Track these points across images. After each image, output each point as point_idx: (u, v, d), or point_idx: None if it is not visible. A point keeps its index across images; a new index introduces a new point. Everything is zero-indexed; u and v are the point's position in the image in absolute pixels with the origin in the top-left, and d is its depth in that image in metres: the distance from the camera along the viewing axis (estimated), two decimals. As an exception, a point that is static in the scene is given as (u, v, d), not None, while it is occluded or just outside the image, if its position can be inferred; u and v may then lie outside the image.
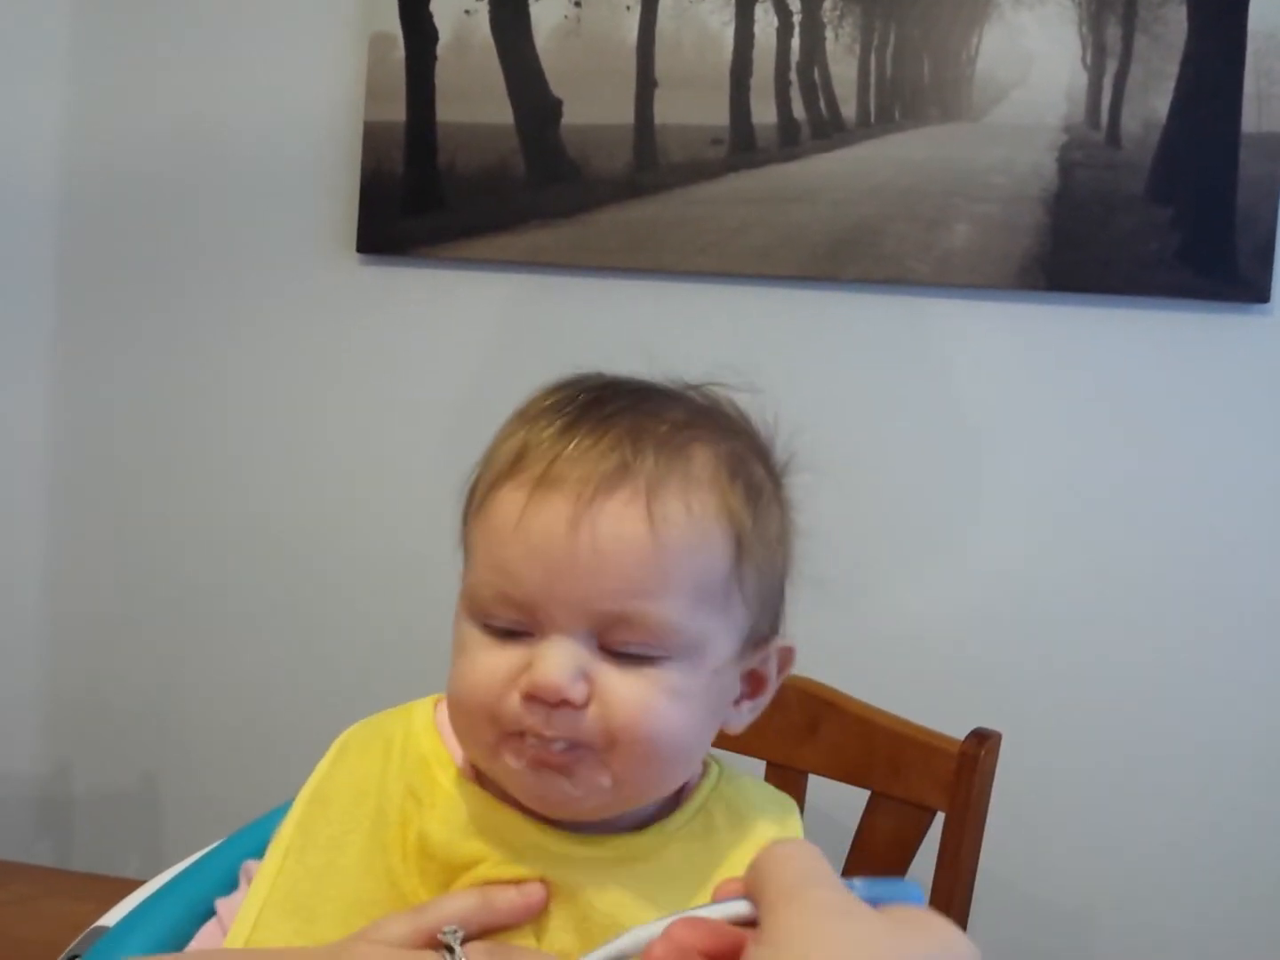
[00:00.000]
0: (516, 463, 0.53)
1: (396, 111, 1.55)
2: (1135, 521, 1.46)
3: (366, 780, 0.57)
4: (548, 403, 0.56)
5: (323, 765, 0.59)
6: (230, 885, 0.59)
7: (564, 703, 0.50)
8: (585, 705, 0.50)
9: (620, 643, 0.51)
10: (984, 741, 1.06)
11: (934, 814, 1.10)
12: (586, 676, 0.51)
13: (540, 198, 1.54)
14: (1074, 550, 1.47)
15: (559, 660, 0.50)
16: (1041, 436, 1.48)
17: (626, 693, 0.51)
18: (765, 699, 0.58)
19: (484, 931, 0.51)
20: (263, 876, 0.55)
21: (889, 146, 1.48)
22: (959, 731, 1.10)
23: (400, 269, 1.60)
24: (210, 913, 0.59)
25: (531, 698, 0.51)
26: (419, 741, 0.58)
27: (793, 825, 0.59)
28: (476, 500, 0.56)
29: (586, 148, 1.52)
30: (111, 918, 0.58)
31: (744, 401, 0.62)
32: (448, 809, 0.54)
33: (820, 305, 1.50)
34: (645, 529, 0.51)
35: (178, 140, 1.65)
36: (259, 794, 0.60)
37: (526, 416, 0.56)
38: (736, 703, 0.57)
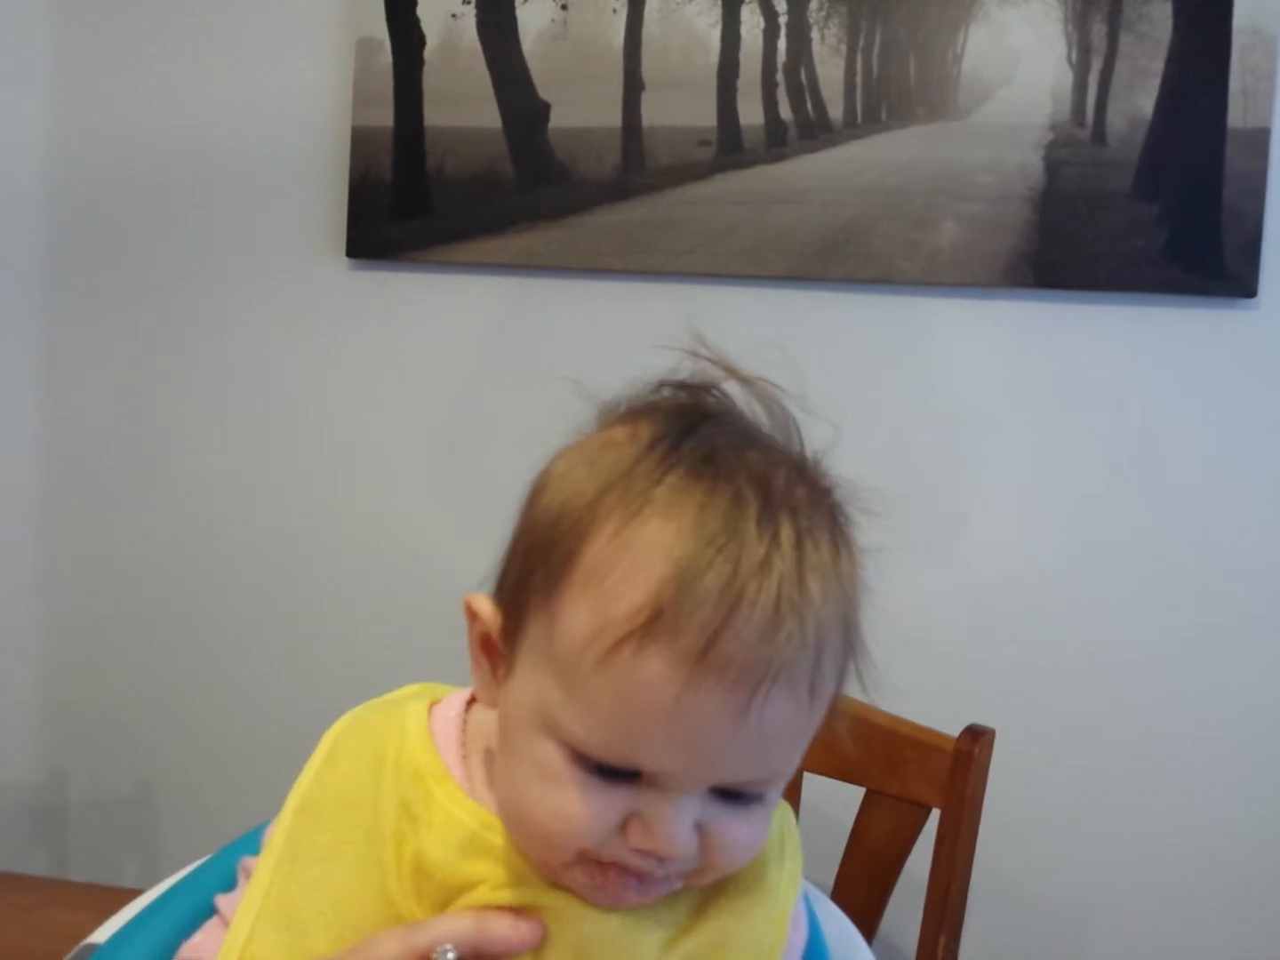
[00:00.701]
0: (660, 617, 0.45)
1: (384, 116, 1.55)
2: (1126, 517, 1.47)
3: (357, 790, 0.54)
4: (667, 478, 0.48)
5: (310, 768, 0.56)
6: (226, 888, 0.59)
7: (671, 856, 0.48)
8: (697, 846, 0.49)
9: (741, 789, 0.49)
10: (978, 738, 1.07)
11: (929, 811, 1.10)
12: (699, 825, 0.48)
13: (529, 201, 1.54)
14: (1065, 546, 1.48)
15: (683, 825, 0.47)
16: (1031, 433, 1.48)
17: (737, 836, 0.49)
18: None
19: (477, 956, 0.49)
20: (255, 887, 0.53)
21: (876, 147, 1.48)
22: (954, 729, 1.11)
23: (390, 273, 1.60)
24: (209, 912, 0.58)
25: (645, 853, 0.48)
26: (414, 754, 0.54)
27: (789, 829, 0.58)
28: (588, 637, 0.47)
29: (574, 150, 1.53)
30: (102, 934, 0.58)
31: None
32: (445, 828, 0.52)
33: (809, 305, 1.51)
34: (806, 708, 0.48)
35: (165, 145, 1.64)
36: (255, 800, 0.59)
37: (639, 494, 0.48)
38: None
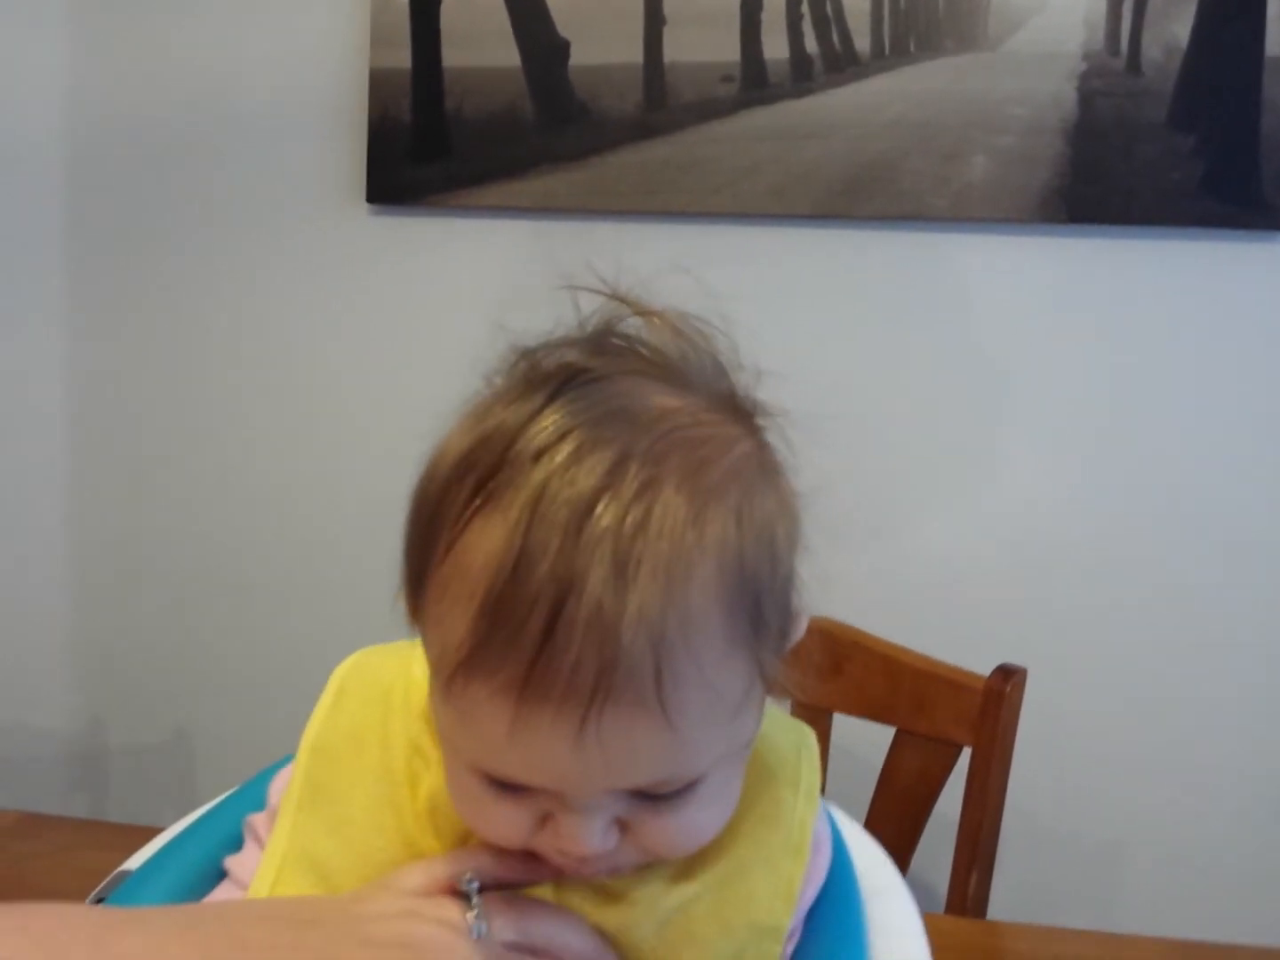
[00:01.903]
0: (480, 649, 0.43)
1: (402, 58, 1.53)
2: (1160, 456, 1.45)
3: (365, 731, 0.54)
4: (512, 503, 0.44)
5: (320, 709, 0.56)
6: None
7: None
8: (621, 841, 0.47)
9: (645, 792, 0.47)
10: (1010, 677, 1.06)
11: (960, 750, 1.10)
12: (619, 822, 0.47)
13: (549, 142, 1.52)
14: (1097, 486, 1.46)
15: (587, 828, 0.46)
16: (1064, 372, 1.46)
17: (662, 825, 0.47)
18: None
19: (500, 886, 0.50)
20: (279, 832, 0.54)
21: (904, 79, 1.45)
22: (984, 669, 1.10)
23: (411, 218, 1.58)
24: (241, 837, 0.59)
25: (563, 853, 0.47)
26: (421, 694, 0.54)
27: (806, 750, 0.57)
28: (435, 661, 0.47)
29: (596, 89, 1.50)
30: (136, 861, 0.59)
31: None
32: None
33: (836, 244, 1.48)
34: (659, 715, 0.43)
35: (183, 95, 1.63)
36: (287, 745, 0.60)
37: (468, 482, 0.45)
38: None
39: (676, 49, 1.48)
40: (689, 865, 0.51)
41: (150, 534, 1.71)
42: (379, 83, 1.54)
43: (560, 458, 0.44)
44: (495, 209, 1.55)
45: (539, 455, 0.44)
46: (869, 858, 0.60)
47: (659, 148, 1.49)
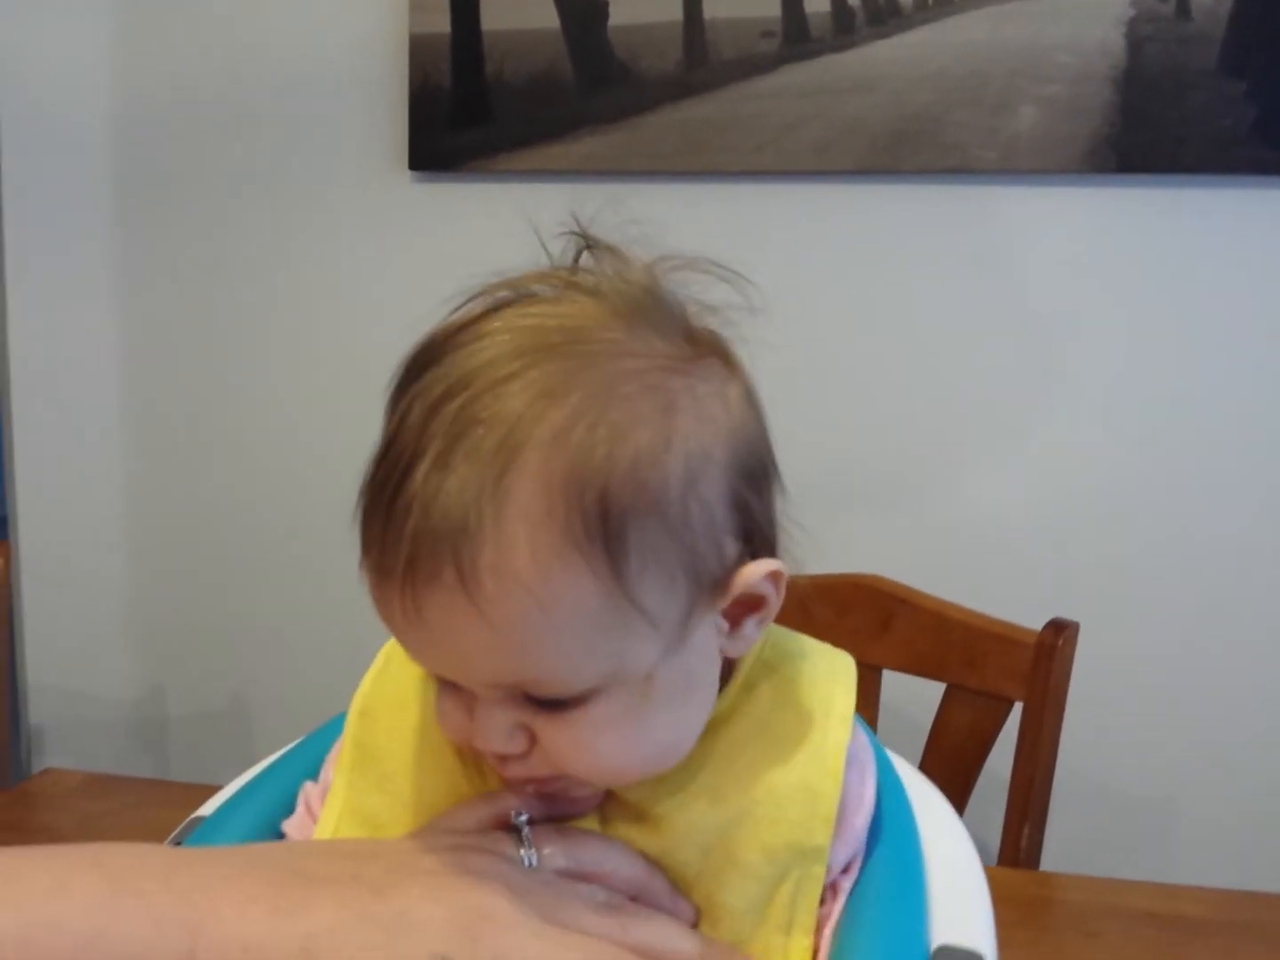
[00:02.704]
0: (363, 528, 0.47)
1: (441, 22, 1.53)
2: (1213, 407, 1.43)
3: (407, 692, 0.56)
4: (400, 413, 0.47)
5: (368, 678, 0.58)
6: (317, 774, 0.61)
7: (509, 756, 0.49)
8: (530, 752, 0.48)
9: (534, 695, 0.47)
10: (1062, 631, 1.06)
11: (1011, 705, 1.10)
12: (524, 727, 0.48)
13: (590, 103, 1.51)
14: (1148, 438, 1.44)
15: (489, 723, 0.48)
16: (1115, 324, 1.44)
17: (558, 738, 0.47)
18: (769, 613, 0.50)
19: (547, 819, 0.51)
20: (334, 793, 0.56)
21: (948, 30, 1.42)
22: (1034, 626, 1.10)
23: (453, 184, 1.59)
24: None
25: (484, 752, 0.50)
26: None
27: (844, 684, 0.55)
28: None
29: (635, 48, 1.49)
30: (210, 807, 0.60)
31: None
32: None
33: (882, 199, 1.47)
34: (476, 619, 0.43)
35: (225, 64, 1.64)
36: (342, 708, 0.61)
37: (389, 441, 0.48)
38: (732, 630, 0.50)
39: (716, 5, 1.46)
40: (724, 790, 0.51)
41: (206, 504, 1.73)
42: (419, 48, 1.54)
43: (462, 354, 0.46)
44: (536, 173, 1.54)
45: (449, 353, 0.47)
46: (923, 800, 0.60)
47: (700, 106, 1.48)
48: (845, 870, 0.53)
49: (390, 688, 0.57)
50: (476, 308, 0.50)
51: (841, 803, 0.52)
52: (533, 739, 0.48)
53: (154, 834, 0.62)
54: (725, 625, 0.49)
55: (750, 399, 0.50)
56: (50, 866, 0.43)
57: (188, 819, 0.59)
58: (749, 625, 0.50)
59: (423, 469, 0.44)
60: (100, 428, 1.75)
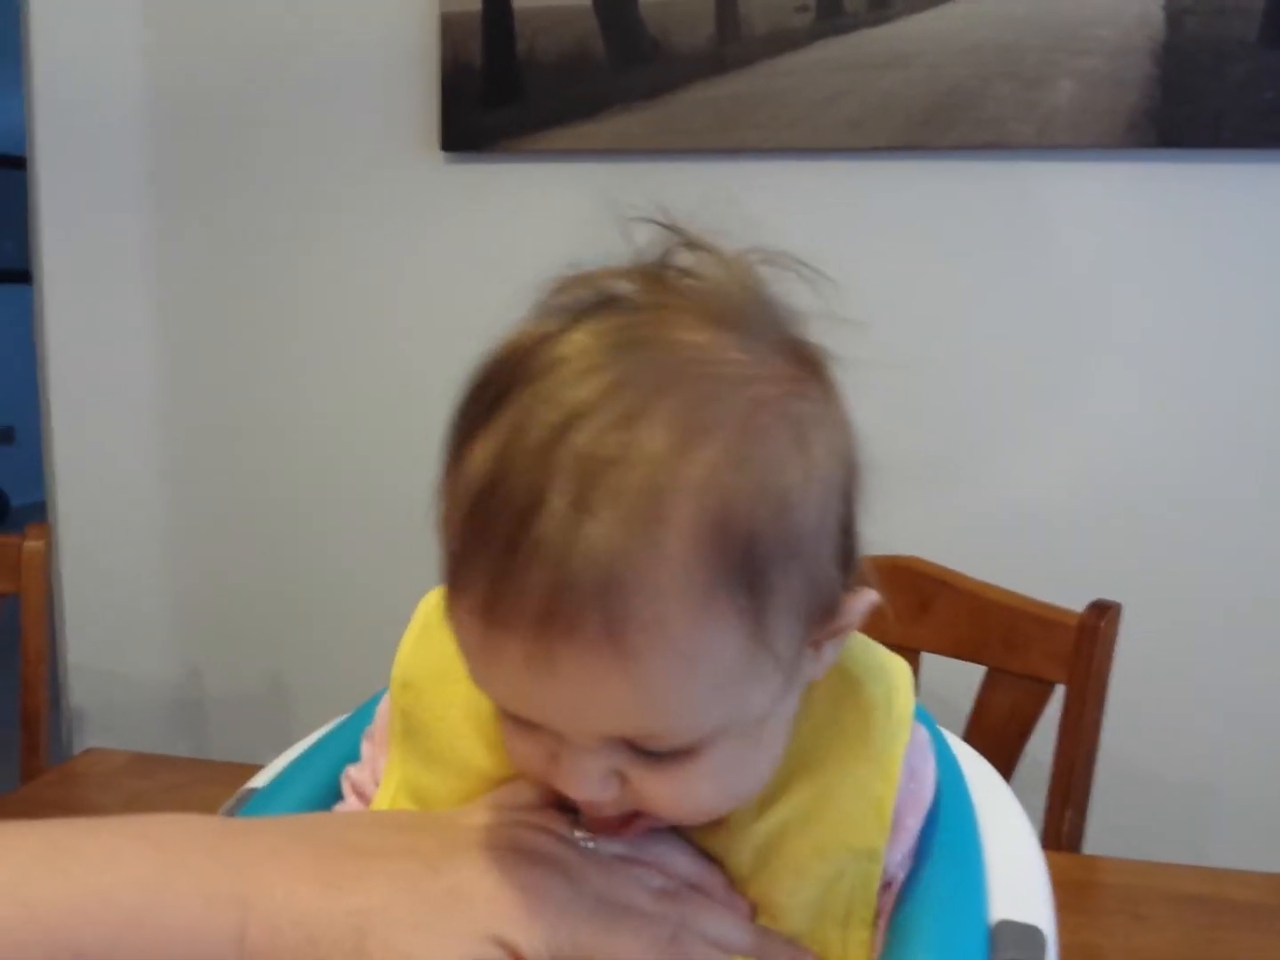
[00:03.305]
0: (457, 572, 0.43)
1: (472, 1, 1.52)
2: (1255, 386, 1.40)
3: (447, 661, 0.53)
4: (491, 434, 0.43)
5: (407, 642, 0.56)
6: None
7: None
8: (623, 793, 0.46)
9: (639, 745, 0.45)
10: (1104, 612, 1.05)
11: (1052, 687, 1.09)
12: (618, 774, 0.45)
13: (622, 81, 1.50)
14: (1190, 417, 1.42)
15: (582, 772, 0.45)
16: (1154, 301, 1.42)
17: (658, 788, 0.45)
18: (846, 634, 0.50)
19: None
20: (392, 763, 0.55)
21: (985, 3, 1.40)
22: (1076, 607, 1.09)
23: (485, 164, 1.58)
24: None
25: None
26: None
27: (903, 689, 0.54)
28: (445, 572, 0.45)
29: (667, 24, 1.48)
30: (262, 779, 0.60)
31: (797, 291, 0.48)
32: None
33: (918, 175, 1.45)
34: (619, 673, 0.40)
35: (257, 45, 1.64)
36: (381, 686, 0.61)
37: (473, 412, 0.44)
38: (815, 654, 0.48)
39: (749, -20, 1.45)
40: (780, 791, 0.51)
41: (243, 488, 1.74)
42: (450, 27, 1.53)
43: (560, 377, 0.42)
44: (569, 152, 1.54)
45: (543, 374, 0.43)
46: (979, 777, 0.60)
47: (733, 82, 1.47)
48: (898, 866, 0.53)
49: (431, 657, 0.55)
50: (555, 317, 0.46)
51: (896, 806, 0.51)
52: (624, 783, 0.46)
53: (200, 811, 0.62)
54: (811, 651, 0.47)
55: (847, 415, 0.48)
56: (100, 838, 0.43)
57: (240, 790, 0.59)
58: (829, 649, 0.49)
59: (553, 512, 0.39)
60: (138, 412, 1.76)
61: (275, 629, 1.75)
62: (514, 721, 0.46)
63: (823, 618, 0.46)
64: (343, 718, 0.65)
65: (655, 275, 0.46)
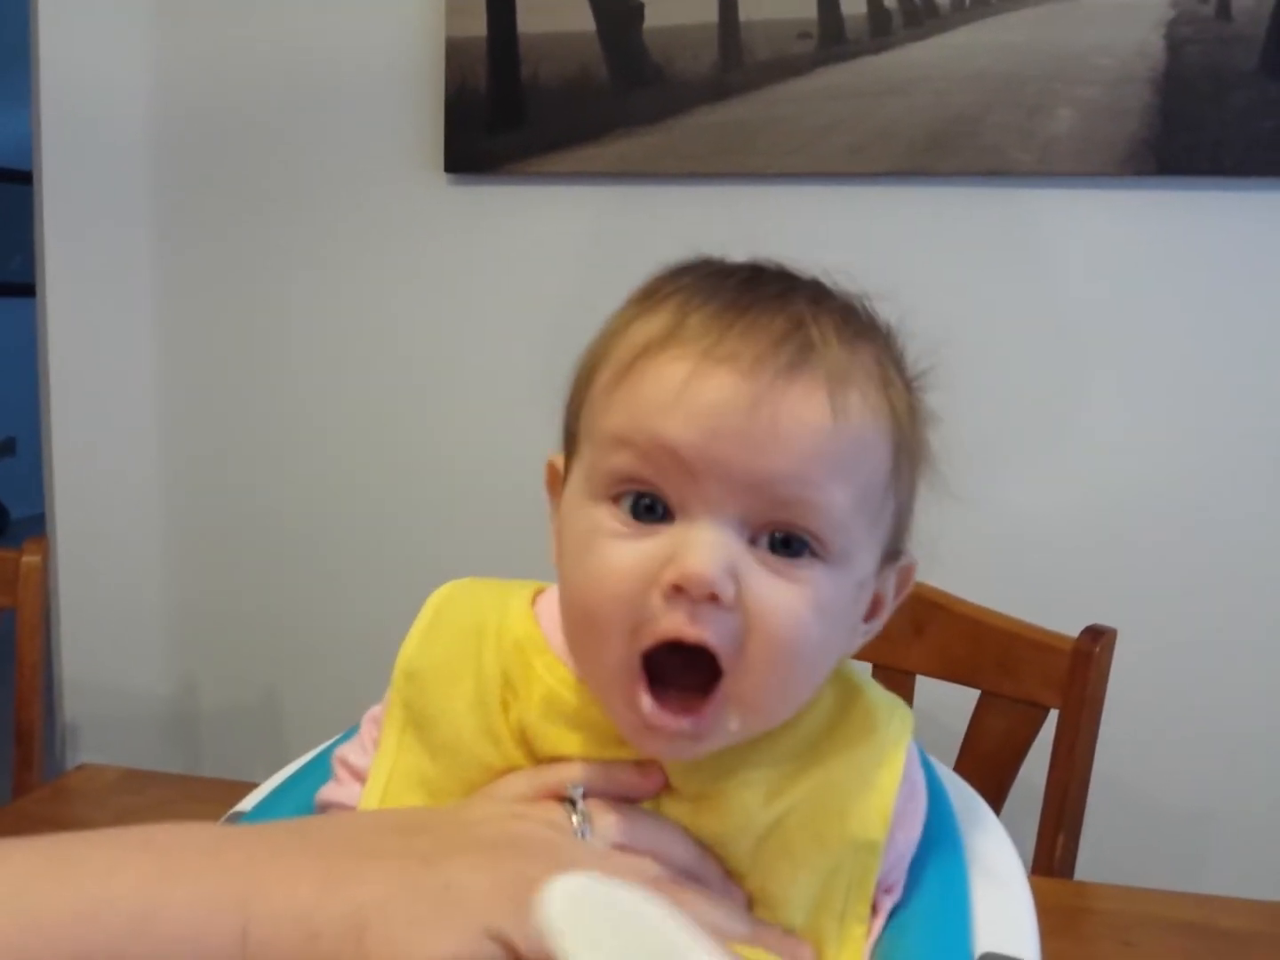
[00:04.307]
0: (672, 334, 0.48)
1: (477, 25, 1.53)
2: (1254, 415, 1.41)
3: (459, 661, 0.55)
4: (685, 281, 0.51)
5: (414, 635, 0.57)
6: None
7: (712, 597, 0.46)
8: (732, 607, 0.46)
9: (778, 527, 0.47)
10: (1099, 637, 1.05)
11: (1047, 712, 1.09)
12: (735, 575, 0.46)
13: (625, 105, 1.51)
14: (1186, 442, 1.43)
15: (711, 549, 0.46)
16: (1153, 329, 1.43)
17: (776, 599, 0.47)
18: (880, 623, 0.54)
19: (602, 798, 0.51)
20: (385, 747, 0.55)
21: (985, 31, 1.42)
22: (1071, 631, 1.09)
23: (489, 187, 1.59)
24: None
25: (678, 590, 0.46)
26: (513, 627, 0.55)
27: (901, 717, 0.55)
28: (606, 378, 0.50)
29: (670, 50, 1.49)
30: (250, 802, 0.61)
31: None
32: (544, 701, 0.53)
33: (918, 202, 1.46)
34: (827, 416, 0.47)
35: (262, 66, 1.65)
36: (376, 703, 0.61)
37: (660, 296, 0.51)
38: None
39: (752, 7, 1.46)
40: (787, 783, 0.51)
41: (239, 502, 1.75)
42: (455, 51, 1.55)
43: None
44: (572, 175, 1.55)
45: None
46: (960, 796, 0.60)
47: (735, 108, 1.48)
48: (888, 890, 0.53)
49: (440, 651, 0.56)
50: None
51: (896, 806, 0.51)
52: (738, 596, 0.47)
53: (191, 829, 0.62)
54: (866, 602, 0.53)
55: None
56: (103, 848, 0.43)
57: (228, 813, 0.59)
58: (861, 630, 0.54)
59: (793, 312, 0.49)
60: (136, 427, 1.77)
61: (270, 644, 1.75)
62: (622, 521, 0.49)
63: (893, 553, 0.53)
64: (331, 741, 0.65)
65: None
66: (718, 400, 0.46)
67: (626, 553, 0.48)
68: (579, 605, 0.49)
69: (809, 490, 0.47)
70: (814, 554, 0.48)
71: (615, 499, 0.49)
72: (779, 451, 0.46)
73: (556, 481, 0.56)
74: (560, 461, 0.55)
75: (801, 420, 0.47)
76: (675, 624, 0.46)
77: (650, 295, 0.51)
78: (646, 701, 0.47)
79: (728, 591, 0.46)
